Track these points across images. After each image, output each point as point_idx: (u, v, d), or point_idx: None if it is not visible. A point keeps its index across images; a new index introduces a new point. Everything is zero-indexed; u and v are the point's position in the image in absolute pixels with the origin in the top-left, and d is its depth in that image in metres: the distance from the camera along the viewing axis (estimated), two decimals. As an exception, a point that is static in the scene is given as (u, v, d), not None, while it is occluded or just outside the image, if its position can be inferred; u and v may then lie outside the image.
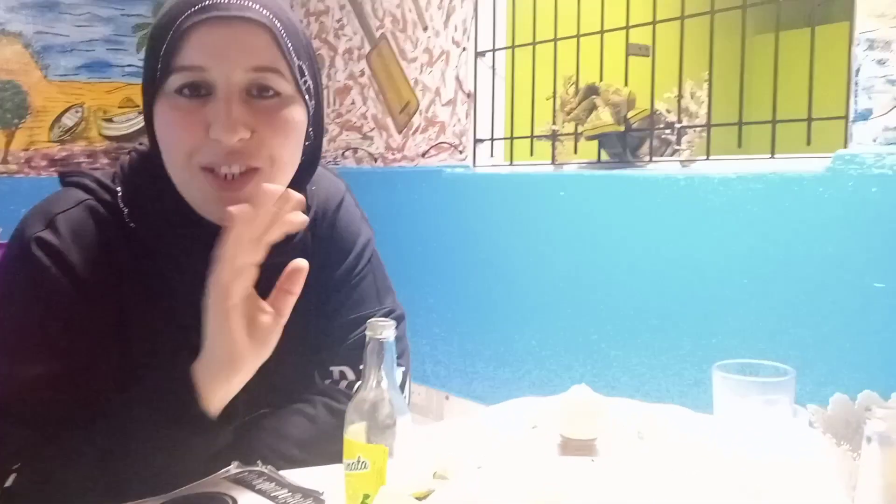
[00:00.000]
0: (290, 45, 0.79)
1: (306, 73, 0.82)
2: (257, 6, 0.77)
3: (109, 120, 3.56)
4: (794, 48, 2.22)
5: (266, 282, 0.78)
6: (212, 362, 0.74)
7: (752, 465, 0.75)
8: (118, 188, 0.84)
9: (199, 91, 0.77)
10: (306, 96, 0.82)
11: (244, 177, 0.78)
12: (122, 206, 0.83)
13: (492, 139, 2.95)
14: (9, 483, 0.74)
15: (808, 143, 2.03)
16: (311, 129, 0.85)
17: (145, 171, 0.85)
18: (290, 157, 0.82)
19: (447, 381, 2.94)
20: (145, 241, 0.82)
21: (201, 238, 0.77)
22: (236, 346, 0.74)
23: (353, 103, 3.54)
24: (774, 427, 0.75)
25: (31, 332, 0.78)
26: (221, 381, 0.75)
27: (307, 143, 0.86)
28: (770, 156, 2.10)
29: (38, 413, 0.76)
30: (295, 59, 0.79)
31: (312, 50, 0.85)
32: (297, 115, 0.81)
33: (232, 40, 0.76)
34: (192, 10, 0.76)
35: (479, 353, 2.84)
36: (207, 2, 0.76)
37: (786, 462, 0.74)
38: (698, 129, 2.28)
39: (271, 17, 0.77)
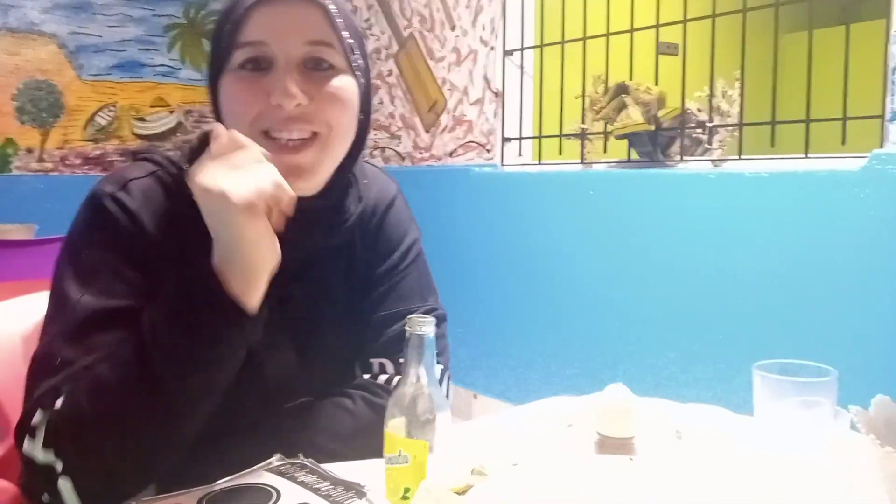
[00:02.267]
0: (341, 22, 0.85)
1: (356, 52, 0.88)
2: None
3: (141, 119, 3.61)
4: (828, 46, 2.19)
5: (313, 265, 0.79)
6: (245, 269, 0.75)
7: (790, 468, 0.74)
8: (185, 166, 0.86)
9: (259, 65, 0.84)
10: (357, 72, 0.88)
11: (304, 143, 0.84)
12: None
13: (520, 138, 2.94)
14: (58, 405, 0.74)
15: (843, 142, 2.00)
16: (360, 106, 0.90)
17: None
18: (347, 127, 0.88)
19: (475, 379, 2.94)
20: None
21: None
22: (272, 248, 0.76)
23: (380, 102, 3.56)
24: (815, 429, 0.75)
25: (101, 267, 0.81)
26: (259, 283, 0.76)
27: (358, 119, 0.90)
28: (804, 155, 2.07)
29: (95, 341, 0.77)
30: (346, 35, 0.85)
31: (361, 33, 0.91)
32: (350, 87, 0.87)
33: (289, 17, 0.83)
34: None
35: (508, 353, 2.84)
36: None
37: (824, 465, 0.73)
38: (730, 128, 2.26)
39: None
